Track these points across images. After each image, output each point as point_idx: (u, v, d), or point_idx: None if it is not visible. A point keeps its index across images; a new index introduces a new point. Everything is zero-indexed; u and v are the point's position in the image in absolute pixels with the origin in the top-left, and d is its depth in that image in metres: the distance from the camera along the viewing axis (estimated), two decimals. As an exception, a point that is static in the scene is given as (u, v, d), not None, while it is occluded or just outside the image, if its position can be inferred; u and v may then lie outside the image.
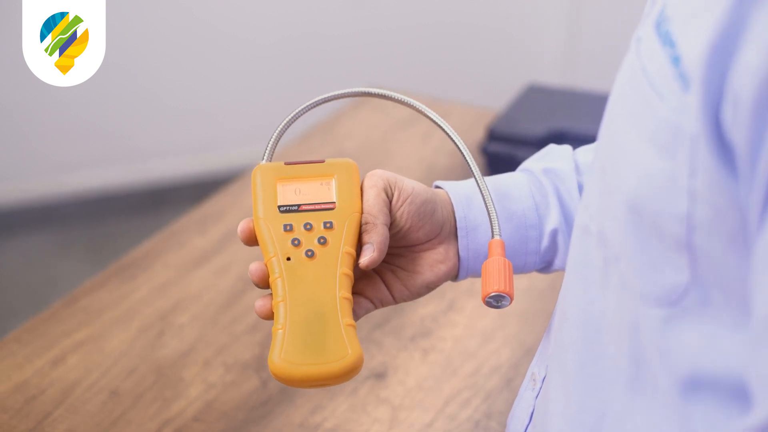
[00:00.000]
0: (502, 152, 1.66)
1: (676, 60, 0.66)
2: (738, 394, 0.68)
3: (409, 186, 0.92)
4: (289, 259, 0.87)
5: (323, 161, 0.92)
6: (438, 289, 1.33)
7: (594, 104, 1.75)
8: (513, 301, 0.88)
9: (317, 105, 0.93)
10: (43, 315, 1.33)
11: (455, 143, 0.92)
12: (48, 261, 2.94)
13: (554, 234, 0.95)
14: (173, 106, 3.13)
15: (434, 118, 0.93)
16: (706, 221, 0.66)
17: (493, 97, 2.65)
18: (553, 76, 3.24)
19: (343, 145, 1.78)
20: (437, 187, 0.97)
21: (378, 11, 3.18)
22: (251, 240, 0.89)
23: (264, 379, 1.24)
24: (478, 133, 1.75)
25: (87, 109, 3.03)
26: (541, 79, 2.72)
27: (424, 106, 0.93)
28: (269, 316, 0.87)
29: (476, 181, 0.92)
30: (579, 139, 1.03)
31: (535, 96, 1.82)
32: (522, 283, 1.38)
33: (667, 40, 0.67)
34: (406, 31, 3.21)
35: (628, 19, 2.89)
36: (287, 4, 3.09)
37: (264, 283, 0.88)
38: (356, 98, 1.94)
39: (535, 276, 1.40)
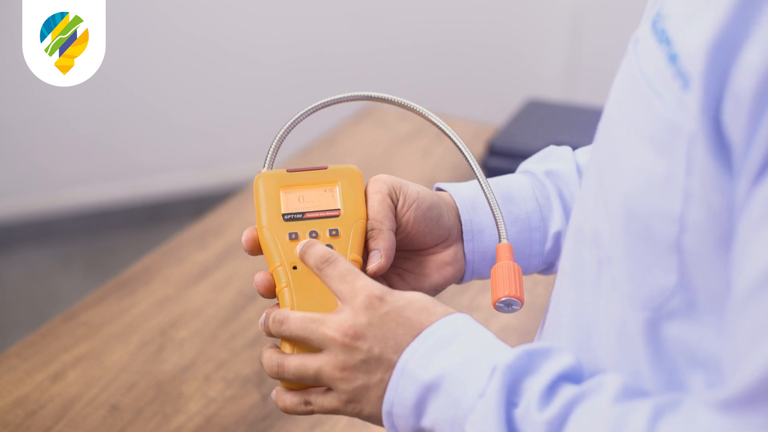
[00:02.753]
0: (502, 167, 1.66)
1: (672, 58, 0.66)
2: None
3: (414, 191, 0.91)
4: (295, 268, 0.86)
5: (326, 168, 0.91)
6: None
7: (594, 119, 1.75)
8: (523, 306, 0.88)
9: (318, 109, 0.92)
10: (43, 330, 1.33)
11: (458, 147, 0.92)
12: (48, 276, 2.94)
13: (558, 236, 0.95)
14: (174, 122, 3.13)
15: (438, 123, 0.92)
16: (699, 222, 0.66)
17: (494, 112, 2.66)
18: (554, 91, 3.24)
19: (342, 160, 1.79)
20: (439, 188, 0.97)
21: (379, 30, 3.18)
22: (255, 249, 0.89)
23: (264, 394, 1.24)
24: (479, 148, 1.75)
25: (88, 124, 3.03)
26: (541, 94, 2.72)
27: (427, 111, 0.92)
28: None
29: (481, 186, 0.91)
30: (578, 148, 1.03)
31: (535, 111, 1.82)
32: (522, 298, 1.37)
33: (663, 38, 0.68)
34: (407, 49, 3.22)
35: (628, 34, 2.89)
36: (289, 24, 3.10)
37: (270, 293, 0.87)
38: (356, 114, 1.95)
39: (536, 291, 1.40)
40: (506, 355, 0.75)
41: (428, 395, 0.76)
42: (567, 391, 0.72)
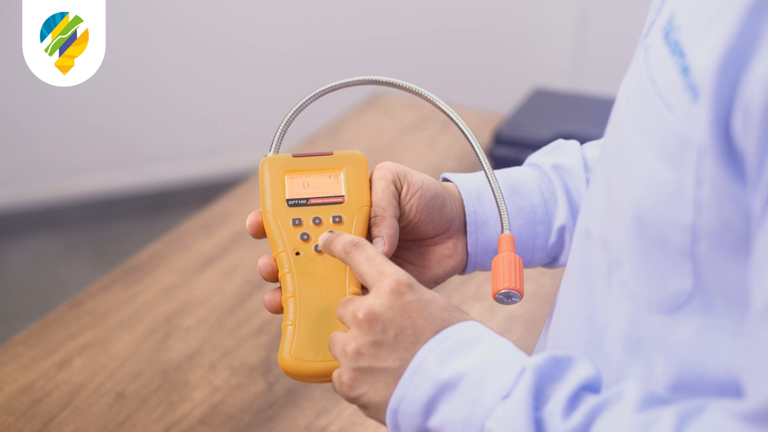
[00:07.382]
0: (508, 156, 1.66)
1: (685, 70, 0.66)
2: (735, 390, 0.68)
3: (419, 179, 0.91)
4: (298, 254, 0.87)
5: (331, 153, 0.91)
6: (444, 292, 1.33)
7: (600, 108, 1.75)
8: (523, 298, 0.88)
9: (326, 93, 0.92)
10: (48, 318, 1.33)
11: (464, 133, 0.92)
12: (54, 264, 2.94)
13: (562, 230, 0.95)
14: (179, 110, 3.13)
15: (446, 109, 0.92)
16: (711, 230, 0.66)
17: (500, 101, 2.66)
18: (560, 80, 3.24)
19: (348, 149, 1.78)
20: (445, 179, 0.97)
21: (385, 18, 3.18)
22: (259, 233, 0.89)
23: (270, 382, 1.24)
24: (485, 137, 1.75)
25: (92, 112, 3.03)
26: (548, 83, 2.72)
27: (434, 96, 0.92)
28: (278, 310, 0.87)
29: (487, 176, 0.91)
30: (585, 142, 1.03)
31: (541, 100, 1.82)
32: (528, 288, 1.37)
33: (676, 50, 0.67)
34: (413, 37, 3.22)
35: (634, 24, 2.88)
36: (293, 11, 3.10)
37: (273, 278, 0.88)
38: (362, 102, 1.95)
39: (541, 281, 1.40)
40: (533, 358, 0.74)
41: (442, 394, 0.74)
42: (589, 401, 0.71)
